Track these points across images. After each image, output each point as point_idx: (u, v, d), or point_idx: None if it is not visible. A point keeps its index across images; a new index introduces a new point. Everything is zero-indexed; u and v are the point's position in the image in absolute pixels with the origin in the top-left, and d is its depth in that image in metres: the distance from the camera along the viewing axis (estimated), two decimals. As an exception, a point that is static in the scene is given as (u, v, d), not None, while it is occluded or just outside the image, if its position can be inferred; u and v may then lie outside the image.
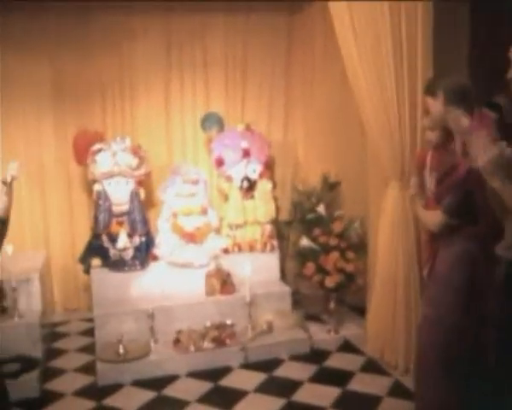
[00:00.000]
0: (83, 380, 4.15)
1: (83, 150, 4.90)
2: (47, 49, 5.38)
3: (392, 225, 4.03)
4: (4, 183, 3.14)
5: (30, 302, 4.49)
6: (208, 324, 4.45)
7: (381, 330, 4.18)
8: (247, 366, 4.27)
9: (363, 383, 3.94)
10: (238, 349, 4.30)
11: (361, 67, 3.89)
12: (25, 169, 5.30)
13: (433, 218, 2.84)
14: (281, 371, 4.20)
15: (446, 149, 3.09)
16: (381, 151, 4.04)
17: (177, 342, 4.30)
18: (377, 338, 4.23)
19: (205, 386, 3.99)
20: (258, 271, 4.77)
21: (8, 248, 4.17)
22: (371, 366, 4.19)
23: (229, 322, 4.47)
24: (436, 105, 2.84)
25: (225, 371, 4.20)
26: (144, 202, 5.02)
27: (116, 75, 5.67)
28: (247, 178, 5.11)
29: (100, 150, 4.84)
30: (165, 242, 4.88)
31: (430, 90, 2.91)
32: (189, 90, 5.89)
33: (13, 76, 5.31)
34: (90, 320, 5.22)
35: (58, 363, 4.46)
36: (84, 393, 3.96)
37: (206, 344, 4.27)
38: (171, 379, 4.10)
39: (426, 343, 2.88)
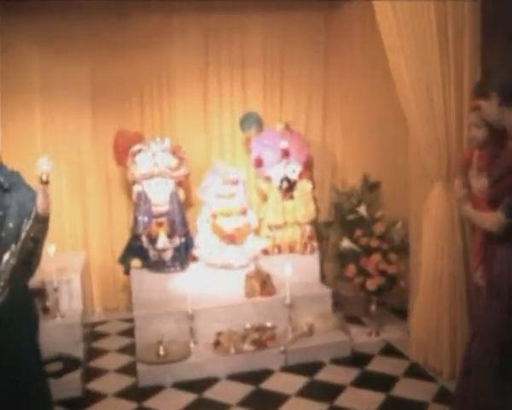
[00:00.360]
0: (124, 381, 4.15)
1: (123, 151, 4.91)
2: (86, 49, 5.42)
3: (437, 226, 3.93)
4: (42, 182, 3.12)
5: (71, 302, 4.53)
6: (248, 326, 4.42)
7: (424, 335, 4.08)
8: (288, 368, 4.22)
9: (407, 389, 3.85)
10: (278, 352, 4.25)
11: (406, 65, 3.79)
12: (64, 170, 5.46)
13: (492, 219, 2.73)
14: (322, 375, 4.13)
15: (493, 147, 2.99)
16: (424, 150, 3.93)
17: (217, 344, 4.27)
18: (421, 342, 4.13)
19: (246, 389, 3.95)
20: (298, 272, 4.70)
21: (50, 248, 4.20)
22: (415, 371, 4.09)
23: (269, 324, 4.42)
24: (490, 107, 2.74)
25: (266, 373, 4.15)
26: (183, 203, 5.00)
27: (154, 75, 5.69)
28: (287, 179, 5.05)
29: (140, 151, 4.85)
30: (204, 243, 4.86)
31: (481, 91, 2.82)
32: (226, 89, 5.87)
33: (52, 77, 5.39)
34: (129, 321, 5.25)
35: (99, 363, 4.48)
36: (125, 394, 3.96)
37: (247, 346, 4.23)
38: (211, 382, 4.07)
39: (485, 346, 2.79)
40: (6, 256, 3.11)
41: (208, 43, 5.78)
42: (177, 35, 5.68)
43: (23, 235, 3.18)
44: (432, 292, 3.97)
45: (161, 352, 4.16)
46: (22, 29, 5.24)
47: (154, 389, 3.98)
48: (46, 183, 3.09)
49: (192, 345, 4.31)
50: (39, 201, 3.19)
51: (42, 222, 3.26)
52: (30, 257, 3.32)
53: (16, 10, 5.10)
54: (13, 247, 3.13)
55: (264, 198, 5.19)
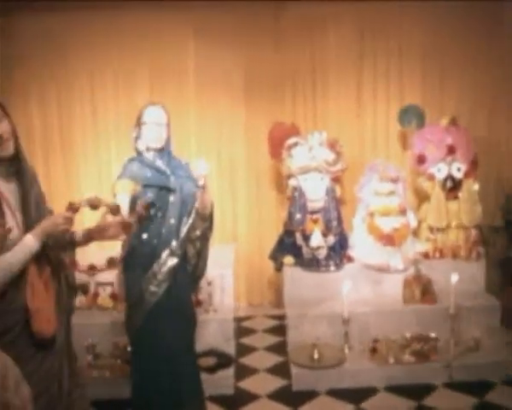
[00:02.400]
0: (276, 382, 4.00)
1: (278, 144, 4.76)
2: (240, 39, 5.36)
3: None
4: (201, 185, 3.01)
5: (223, 297, 4.45)
6: (408, 335, 4.09)
7: None
8: (452, 385, 3.84)
9: None
10: (442, 366, 3.89)
11: None
12: (216, 163, 5.45)
13: None
14: (492, 397, 3.71)
15: None
16: None
17: (373, 351, 3.99)
18: None
19: (407, 404, 3.64)
20: (462, 280, 4.24)
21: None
22: None
23: (432, 335, 4.07)
24: None
25: (428, 388, 3.81)
26: (339, 200, 4.76)
27: (307, 66, 5.49)
28: (451, 178, 4.65)
29: (296, 144, 4.67)
30: (360, 242, 4.59)
31: None
32: (382, 81, 5.52)
33: (206, 67, 5.38)
34: (275, 318, 5.15)
35: (249, 361, 4.37)
36: (278, 397, 3.81)
37: (407, 357, 3.92)
38: (368, 392, 3.80)
39: None
40: (165, 254, 3.06)
41: (363, 33, 5.47)
42: (331, 25, 5.44)
43: (183, 233, 3.11)
44: None
45: (315, 356, 3.96)
46: (176, 20, 5.28)
47: (308, 395, 3.79)
48: (203, 187, 3.00)
49: (347, 350, 4.07)
50: (199, 200, 3.11)
51: (204, 219, 3.18)
52: (196, 259, 3.25)
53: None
54: (173, 244, 3.07)
55: (425, 198, 4.81)
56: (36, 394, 1.98)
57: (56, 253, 2.29)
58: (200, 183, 2.98)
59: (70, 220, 2.19)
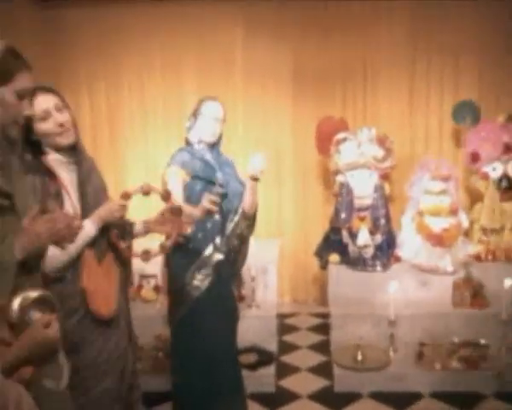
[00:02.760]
0: (317, 382, 3.92)
1: (326, 139, 4.66)
2: (289, 31, 5.28)
3: None
4: (255, 179, 2.99)
5: (266, 293, 4.40)
6: (456, 340, 3.94)
7: None
8: (503, 396, 3.65)
9: None
10: (492, 375, 3.73)
11: None
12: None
13: None
14: (547, 411, 3.54)
15: None
16: None
17: (420, 355, 3.86)
18: None
19: (454, 412, 3.52)
20: (514, 284, 4.11)
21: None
22: None
23: (482, 341, 3.90)
24: None
25: (476, 398, 3.64)
26: (388, 198, 4.63)
27: (358, 60, 5.35)
28: (507, 177, 4.46)
29: (344, 139, 4.56)
30: (408, 242, 4.45)
31: None
32: (435, 77, 5.33)
33: (254, 60, 5.33)
34: (320, 316, 5.07)
35: (291, 359, 4.29)
36: (319, 397, 3.73)
37: (455, 363, 3.77)
38: (412, 397, 3.67)
39: None
40: (209, 249, 3.04)
41: (416, 28, 5.28)
42: (383, 19, 5.27)
43: (228, 230, 3.09)
44: None
45: (359, 357, 3.86)
46: (224, 10, 5.24)
47: (351, 397, 3.69)
48: (257, 180, 3.00)
49: (391, 353, 3.95)
50: (247, 197, 3.08)
51: (248, 219, 3.15)
52: (235, 255, 3.22)
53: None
54: (217, 240, 3.05)
55: (478, 198, 4.63)
56: (102, 373, 2.26)
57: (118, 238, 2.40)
58: (256, 175, 2.99)
59: (124, 207, 2.32)
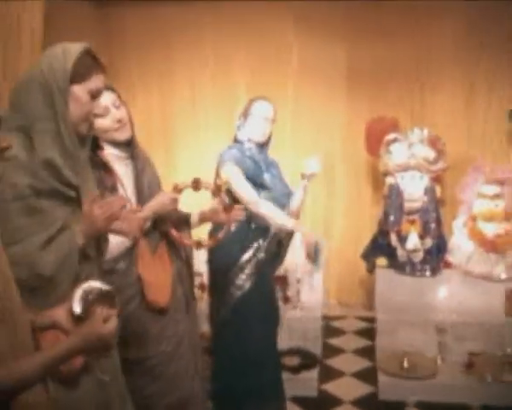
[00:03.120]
0: (361, 388, 3.83)
1: (376, 139, 4.57)
2: (343, 30, 5.18)
3: None
4: (308, 178, 2.98)
5: (311, 295, 4.34)
6: (509, 350, 3.78)
7: None
8: (558, 411, 3.51)
9: None
10: (546, 389, 3.56)
11: None
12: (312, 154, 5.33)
13: None
14: None
15: None
16: None
17: (470, 366, 3.71)
18: None
19: (505, 427, 3.37)
20: None
21: (297, 237, 4.03)
22: None
23: (537, 353, 3.74)
24: None
25: (529, 412, 3.50)
26: (439, 201, 4.49)
27: (412, 59, 5.18)
28: None
29: (395, 140, 4.45)
30: (460, 247, 4.30)
31: None
32: (496, 77, 5.12)
33: (306, 59, 5.26)
34: (366, 320, 4.96)
35: (335, 363, 4.22)
36: (363, 404, 3.64)
37: (508, 376, 3.61)
38: (460, 409, 3.55)
39: None
40: (253, 249, 3.03)
41: (473, 27, 5.09)
42: (437, 17, 5.09)
43: (272, 230, 3.06)
44: None
45: (405, 364, 3.75)
46: (276, 7, 5.17)
47: (395, 405, 3.59)
48: (310, 178, 3.08)
49: (439, 362, 3.82)
50: (296, 197, 3.10)
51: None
52: (279, 251, 3.20)
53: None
54: (260, 240, 3.03)
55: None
56: (167, 359, 2.37)
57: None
58: (308, 177, 3.07)
59: (175, 200, 2.41)
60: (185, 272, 2.59)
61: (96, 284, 1.60)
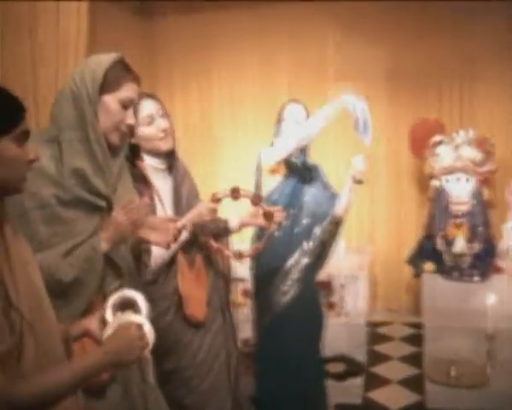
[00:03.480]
0: (408, 397, 3.74)
1: (421, 141, 4.48)
2: (382, 31, 5.11)
3: None
4: (358, 181, 2.90)
5: (355, 301, 4.28)
6: None
7: None
8: None
9: None
10: None
11: None
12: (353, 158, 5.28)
13: None
14: None
15: None
16: None
17: (521, 374, 3.60)
18: None
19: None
20: None
21: (341, 242, 3.99)
22: None
23: None
24: None
25: None
26: (487, 204, 4.37)
27: (455, 58, 5.08)
28: None
29: (440, 142, 4.36)
30: (510, 252, 4.17)
31: None
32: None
33: (346, 60, 5.21)
34: (413, 326, 4.86)
35: (381, 370, 4.14)
36: (410, 413, 3.57)
37: (563, 386, 3.48)
38: (512, 419, 3.44)
39: None
40: (297, 253, 2.98)
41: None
42: (479, 19, 4.95)
43: (317, 235, 3.01)
44: None
45: (453, 372, 3.65)
46: (316, 9, 5.14)
47: (443, 415, 3.51)
48: (360, 182, 2.91)
49: (489, 370, 3.70)
50: (343, 199, 3.01)
51: (335, 224, 3.06)
52: (317, 259, 3.14)
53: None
54: (304, 245, 2.99)
55: None
56: (204, 371, 2.36)
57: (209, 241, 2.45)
58: (357, 178, 2.91)
59: (213, 210, 2.34)
60: (221, 284, 2.56)
61: (129, 294, 1.59)
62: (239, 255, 2.54)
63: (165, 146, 2.30)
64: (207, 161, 5.52)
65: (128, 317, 1.53)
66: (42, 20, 3.13)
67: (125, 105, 1.73)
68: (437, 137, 4.41)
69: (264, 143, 3.28)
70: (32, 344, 1.26)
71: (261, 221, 2.53)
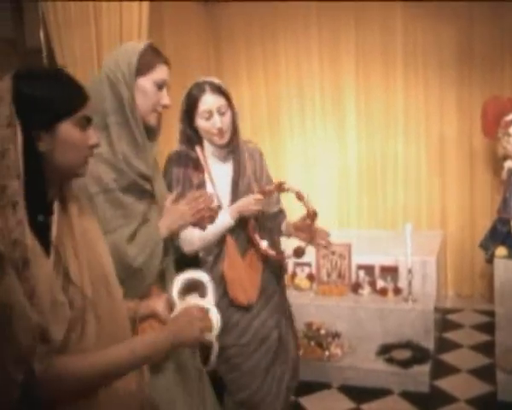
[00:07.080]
0: (478, 387, 3.59)
1: (493, 121, 4.26)
2: (452, 10, 4.86)
3: None
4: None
5: (424, 286, 4.15)
6: None
7: None
8: None
9: None
10: None
11: None
12: (424, 142, 5.13)
13: None
14: None
15: None
16: None
17: None
18: None
19: None
20: None
21: (408, 226, 3.88)
22: None
23: None
24: None
25: None
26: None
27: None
28: None
29: (514, 121, 4.14)
30: None
31: None
32: None
33: (414, 42, 5.07)
34: (486, 313, 4.67)
35: (450, 358, 4.00)
36: (478, 404, 3.41)
37: None
38: None
39: None
40: None
41: None
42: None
43: None
44: None
45: (527, 362, 3.49)
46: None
47: (516, 406, 3.35)
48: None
49: None
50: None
51: None
52: None
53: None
54: None
55: None
56: (248, 351, 2.42)
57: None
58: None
59: (260, 202, 2.36)
60: (278, 273, 2.59)
61: (195, 275, 1.61)
62: (281, 256, 2.55)
63: (219, 142, 2.34)
64: (275, 152, 5.48)
65: (195, 300, 1.54)
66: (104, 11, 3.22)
67: (160, 86, 1.79)
68: (510, 116, 4.18)
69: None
70: (94, 322, 1.29)
71: (303, 237, 2.47)
